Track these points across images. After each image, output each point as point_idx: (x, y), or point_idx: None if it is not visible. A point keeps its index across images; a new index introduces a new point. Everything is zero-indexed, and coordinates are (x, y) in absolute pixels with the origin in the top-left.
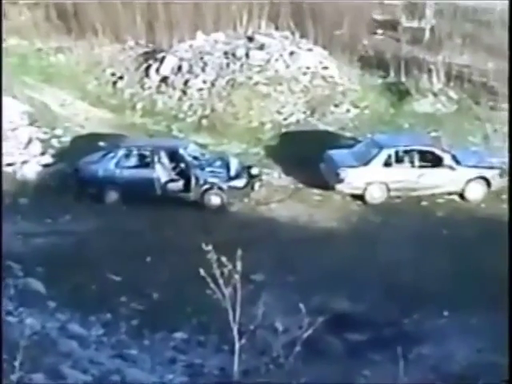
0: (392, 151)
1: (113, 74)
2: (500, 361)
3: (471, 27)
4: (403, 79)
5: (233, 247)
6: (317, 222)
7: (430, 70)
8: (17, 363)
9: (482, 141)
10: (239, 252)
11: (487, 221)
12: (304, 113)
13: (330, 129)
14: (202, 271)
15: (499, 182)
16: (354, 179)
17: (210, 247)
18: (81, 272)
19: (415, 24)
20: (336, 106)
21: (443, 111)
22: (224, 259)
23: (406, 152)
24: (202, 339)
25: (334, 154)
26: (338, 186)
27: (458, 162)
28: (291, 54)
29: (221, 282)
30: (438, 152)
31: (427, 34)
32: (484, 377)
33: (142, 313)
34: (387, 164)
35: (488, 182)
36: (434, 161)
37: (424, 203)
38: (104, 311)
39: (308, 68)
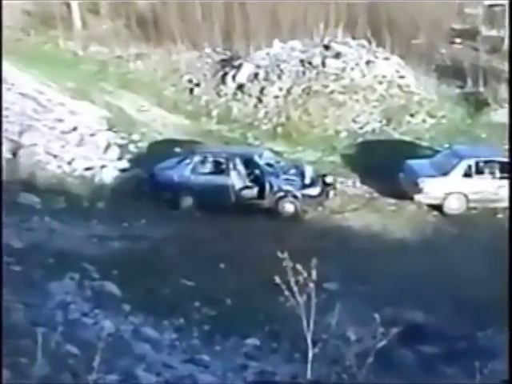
0: (472, 162)
1: (190, 81)
2: None
3: None
4: (481, 89)
5: (306, 255)
6: (391, 232)
7: (508, 80)
8: (95, 364)
9: None
10: (314, 260)
11: None
12: (380, 122)
13: (406, 138)
14: (276, 278)
15: None
16: (433, 189)
17: (284, 255)
18: (154, 276)
19: (494, 33)
20: (412, 115)
21: None
22: (299, 267)
23: (486, 163)
24: (275, 346)
25: (414, 163)
26: (417, 196)
27: None
28: (367, 62)
29: (295, 289)
30: None
31: (506, 43)
32: None
33: (214, 318)
34: (467, 175)
35: None
36: None
37: (500, 216)
38: (177, 316)
39: (384, 77)
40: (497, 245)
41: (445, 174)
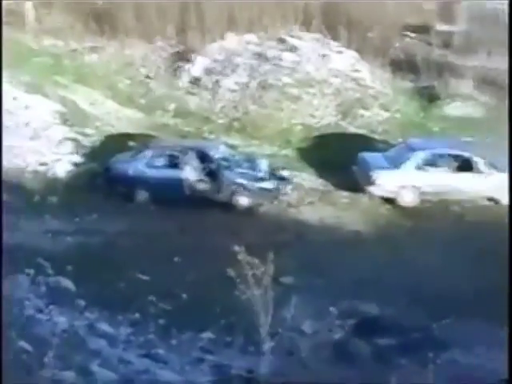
0: (425, 155)
1: (144, 74)
2: None
3: (502, 31)
4: (434, 83)
5: (262, 249)
6: (345, 225)
7: (461, 74)
8: (47, 360)
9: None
10: (271, 254)
11: None
12: (335, 116)
13: (361, 132)
14: (231, 272)
15: None
16: (386, 182)
17: (239, 248)
18: (110, 271)
19: (447, 28)
20: (367, 109)
21: (474, 115)
22: (254, 260)
23: (439, 156)
24: (231, 340)
25: (367, 156)
26: (371, 189)
27: (492, 167)
28: (323, 56)
29: (251, 283)
30: (470, 156)
31: (459, 37)
32: None
33: (170, 313)
34: (420, 168)
35: None
36: (467, 165)
37: (454, 208)
38: (132, 310)
39: (339, 71)
40: (451, 236)
41: (398, 166)
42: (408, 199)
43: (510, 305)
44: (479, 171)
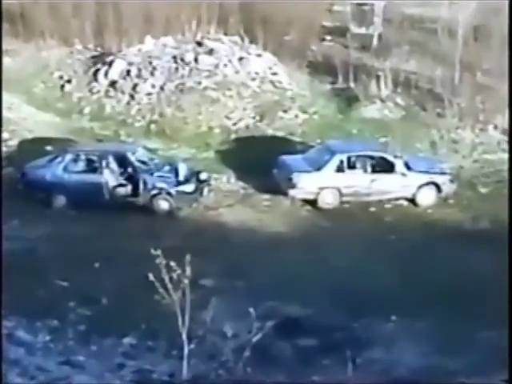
0: (344, 157)
1: (60, 78)
2: (447, 364)
3: (418, 35)
4: (352, 85)
5: (181, 252)
6: (266, 227)
7: (377, 77)
8: None
9: (429, 147)
10: (188, 257)
11: (434, 226)
12: (253, 118)
13: (279, 134)
14: (151, 276)
15: (450, 188)
16: (306, 184)
17: (158, 252)
18: (28, 278)
19: (363, 31)
20: (285, 111)
21: (391, 117)
22: (173, 264)
23: (358, 158)
24: (152, 344)
25: (287, 159)
26: (291, 192)
27: (409, 168)
28: (240, 59)
29: (170, 287)
30: (389, 158)
31: (375, 40)
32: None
33: (90, 318)
34: (340, 169)
35: (438, 188)
36: (386, 166)
37: (372, 209)
38: (51, 317)
39: (257, 73)
40: (370, 237)
41: (318, 169)
42: (328, 201)
43: (510, 305)
44: (397, 172)
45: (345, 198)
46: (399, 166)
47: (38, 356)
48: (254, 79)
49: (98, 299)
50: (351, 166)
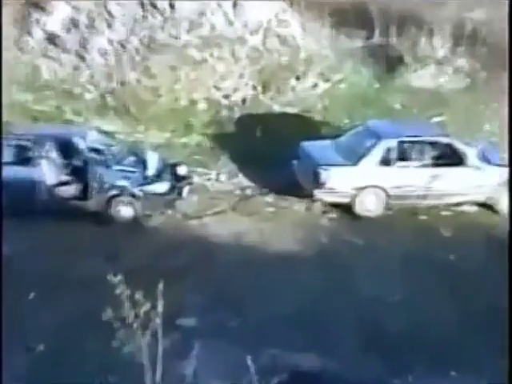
0: (393, 143)
1: None
2: None
3: None
4: (393, 41)
5: (151, 279)
6: (269, 244)
7: (431, 30)
8: None
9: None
10: (160, 286)
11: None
12: (253, 88)
13: (289, 110)
14: (107, 313)
15: None
16: (339, 183)
17: (118, 278)
18: None
19: None
20: (298, 78)
21: (449, 87)
22: (139, 295)
23: (412, 145)
24: None
25: (312, 146)
26: (317, 193)
27: (486, 160)
28: (234, 4)
29: (135, 327)
30: (458, 145)
31: None
32: None
33: (21, 370)
34: (386, 162)
35: None
36: (453, 157)
37: (422, 217)
38: None
39: (259, 24)
40: (418, 257)
41: (356, 160)
42: (370, 206)
43: (510, 306)
44: (469, 165)
45: (392, 202)
46: (472, 156)
47: None
48: (253, 33)
49: (31, 346)
50: (403, 157)
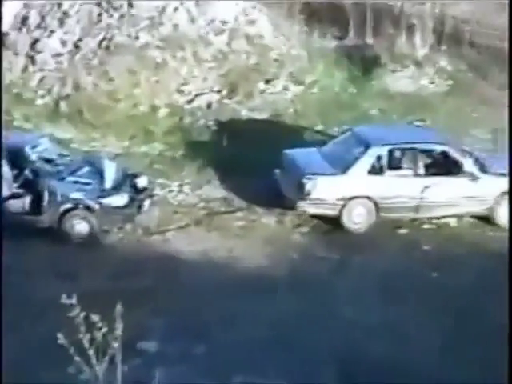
0: (384, 150)
1: None
2: None
3: None
4: (370, 41)
5: (109, 300)
6: (239, 261)
7: (410, 27)
8: None
9: (491, 135)
10: (119, 307)
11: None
12: (218, 92)
13: (258, 116)
14: (61, 337)
15: None
16: (326, 193)
17: (73, 300)
18: None
19: None
20: (268, 81)
21: (431, 90)
22: (96, 318)
23: (404, 152)
24: None
25: (297, 154)
26: (302, 204)
27: (482, 169)
28: (198, 0)
29: (91, 353)
30: (452, 152)
31: None
32: None
33: None
34: (376, 170)
35: None
36: (448, 166)
37: (402, 231)
38: None
39: (225, 23)
40: (399, 275)
41: (344, 169)
42: (358, 218)
43: (510, 306)
44: (466, 174)
45: (383, 214)
46: (468, 164)
47: None
48: (219, 32)
49: None
50: (394, 166)
